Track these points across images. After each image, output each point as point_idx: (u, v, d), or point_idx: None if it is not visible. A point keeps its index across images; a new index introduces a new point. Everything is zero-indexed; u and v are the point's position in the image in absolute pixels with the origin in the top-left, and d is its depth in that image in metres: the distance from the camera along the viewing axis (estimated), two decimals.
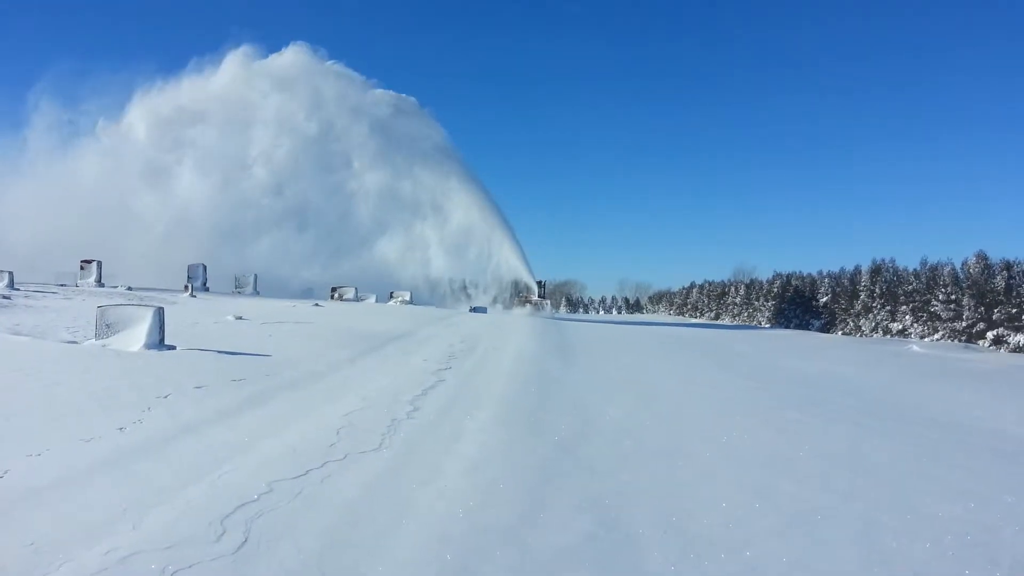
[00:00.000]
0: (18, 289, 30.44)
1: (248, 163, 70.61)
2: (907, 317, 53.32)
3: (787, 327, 70.71)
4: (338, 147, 73.87)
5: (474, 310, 51.90)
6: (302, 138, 72.37)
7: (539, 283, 68.05)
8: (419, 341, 23.11)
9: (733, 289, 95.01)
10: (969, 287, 47.60)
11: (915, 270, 55.89)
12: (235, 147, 70.90)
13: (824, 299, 66.65)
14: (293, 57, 76.31)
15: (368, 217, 71.11)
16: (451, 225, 72.17)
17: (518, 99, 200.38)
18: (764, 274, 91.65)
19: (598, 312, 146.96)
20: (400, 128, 75.61)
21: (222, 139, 70.65)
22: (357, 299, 48.16)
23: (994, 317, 44.59)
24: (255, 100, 72.99)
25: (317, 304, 37.57)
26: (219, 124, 70.97)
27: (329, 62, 77.71)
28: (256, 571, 5.50)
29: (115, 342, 15.66)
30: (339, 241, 68.76)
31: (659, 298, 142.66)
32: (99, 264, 40.74)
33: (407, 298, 49.84)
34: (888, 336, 54.32)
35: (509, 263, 68.67)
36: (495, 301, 66.05)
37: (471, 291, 69.10)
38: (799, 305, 71.57)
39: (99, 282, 39.64)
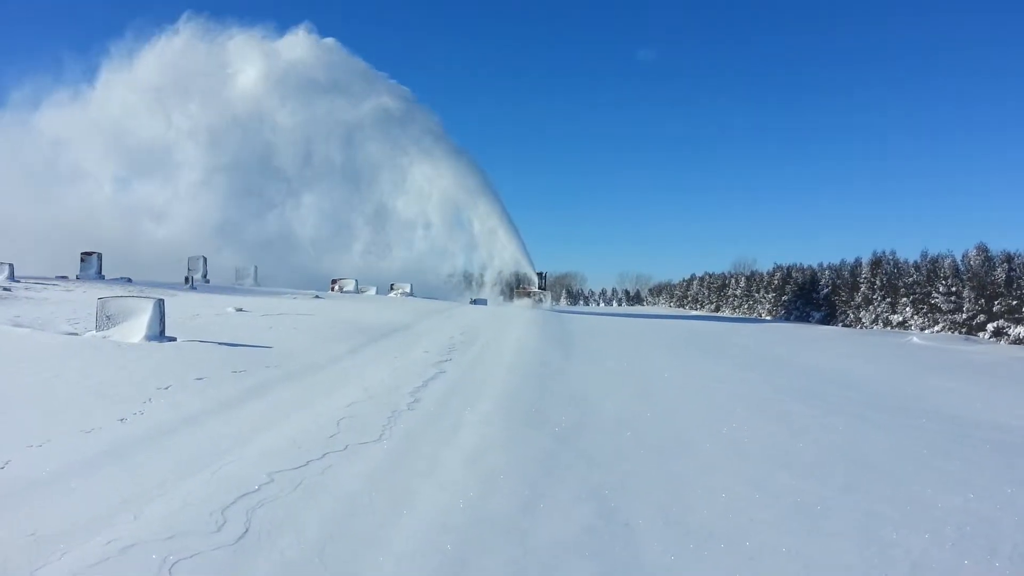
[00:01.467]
0: (18, 281, 30.46)
1: (154, 212, 61.05)
2: (907, 309, 53.30)
3: (788, 319, 70.74)
4: (268, 160, 64.92)
5: (475, 302, 51.92)
6: (215, 161, 63.07)
7: (539, 274, 67.65)
8: (419, 333, 23.12)
9: (733, 281, 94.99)
10: (969, 279, 47.57)
11: (915, 262, 55.88)
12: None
13: (825, 291, 66.63)
14: (178, 48, 64.71)
15: (313, 242, 64.32)
16: (435, 220, 68.02)
17: (519, 92, 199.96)
18: (764, 266, 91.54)
19: (598, 304, 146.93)
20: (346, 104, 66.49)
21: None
22: (357, 291, 48.19)
23: (994, 309, 44.56)
24: (138, 122, 62.20)
25: (317, 296, 37.59)
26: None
27: (231, 31, 66.42)
28: (257, 561, 5.52)
29: (116, 334, 15.67)
30: (287, 264, 59.45)
31: (659, 290, 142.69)
32: (99, 256, 40.73)
33: (407, 290, 49.90)
34: (888, 328, 54.32)
35: (508, 253, 66.99)
36: (497, 293, 65.79)
37: (472, 283, 68.61)
38: (800, 297, 71.57)
39: (99, 274, 39.64)
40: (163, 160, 63.64)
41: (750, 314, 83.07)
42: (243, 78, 65.59)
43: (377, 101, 67.75)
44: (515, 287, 66.58)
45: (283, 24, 73.18)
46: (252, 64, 65.74)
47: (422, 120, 69.97)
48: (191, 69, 65.06)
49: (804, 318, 68.37)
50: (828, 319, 63.76)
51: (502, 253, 67.35)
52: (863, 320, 58.17)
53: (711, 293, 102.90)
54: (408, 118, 69.09)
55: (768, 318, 75.03)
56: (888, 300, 56.07)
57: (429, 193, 68.42)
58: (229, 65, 66.04)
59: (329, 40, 68.53)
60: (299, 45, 67.38)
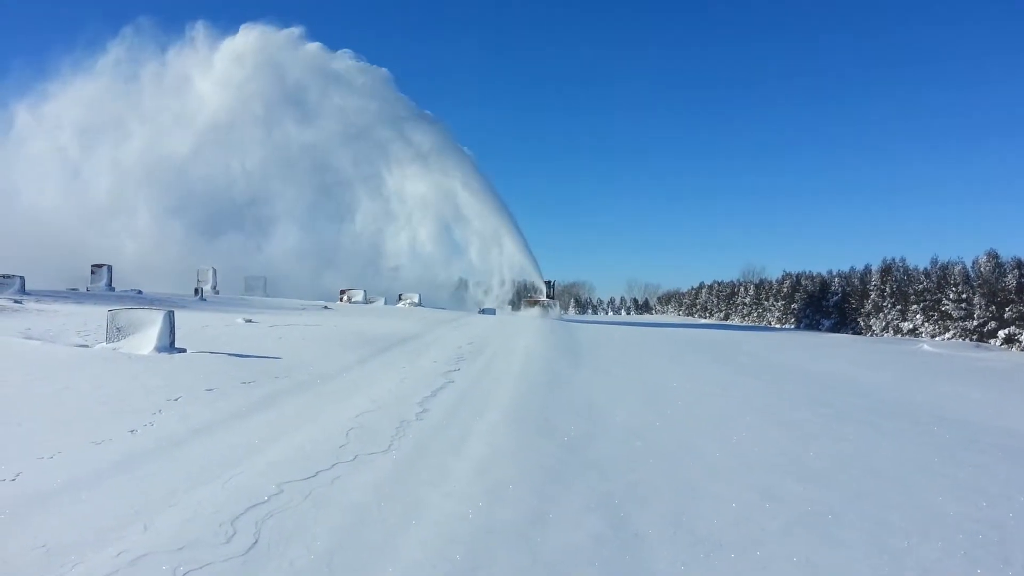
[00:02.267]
0: (29, 294, 30.64)
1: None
2: (918, 316, 53.06)
3: (798, 327, 70.48)
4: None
5: (483, 312, 51.98)
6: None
7: (548, 283, 67.04)
8: (428, 343, 23.14)
9: (743, 289, 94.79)
10: (980, 286, 47.33)
11: (925, 269, 55.75)
12: None
13: (834, 299, 66.40)
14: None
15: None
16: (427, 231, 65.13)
17: (525, 100, 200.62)
18: (773, 274, 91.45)
19: (607, 313, 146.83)
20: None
21: None
22: (366, 301, 48.31)
23: (1005, 316, 44.30)
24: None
25: (326, 307, 37.73)
26: None
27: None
28: (266, 572, 5.53)
29: (126, 345, 15.75)
30: (296, 275, 55.35)
31: (668, 299, 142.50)
32: (109, 268, 40.92)
33: (416, 300, 49.96)
34: (899, 335, 54.05)
35: (515, 260, 65.59)
36: (505, 302, 65.46)
37: (482, 292, 68.06)
38: (809, 305, 71.33)
39: (110, 286, 39.82)
40: (117, 202, 56.65)
41: (759, 322, 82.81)
42: (194, 91, 60.23)
43: (345, 102, 62.98)
44: (523, 296, 66.08)
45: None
46: (201, 75, 60.35)
47: (415, 126, 65.46)
48: (137, 89, 59.49)
49: (814, 326, 68.14)
50: (838, 327, 63.53)
51: (509, 261, 66.09)
52: (873, 327, 57.92)
53: (720, 301, 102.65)
54: (389, 116, 64.43)
55: (778, 326, 74.76)
56: (898, 307, 55.84)
57: (423, 203, 65.08)
58: (179, 79, 60.55)
59: (285, 33, 63.00)
60: (248, 43, 61.24)
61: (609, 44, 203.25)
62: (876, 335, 56.43)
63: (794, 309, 74.45)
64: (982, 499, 8.14)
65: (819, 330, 65.09)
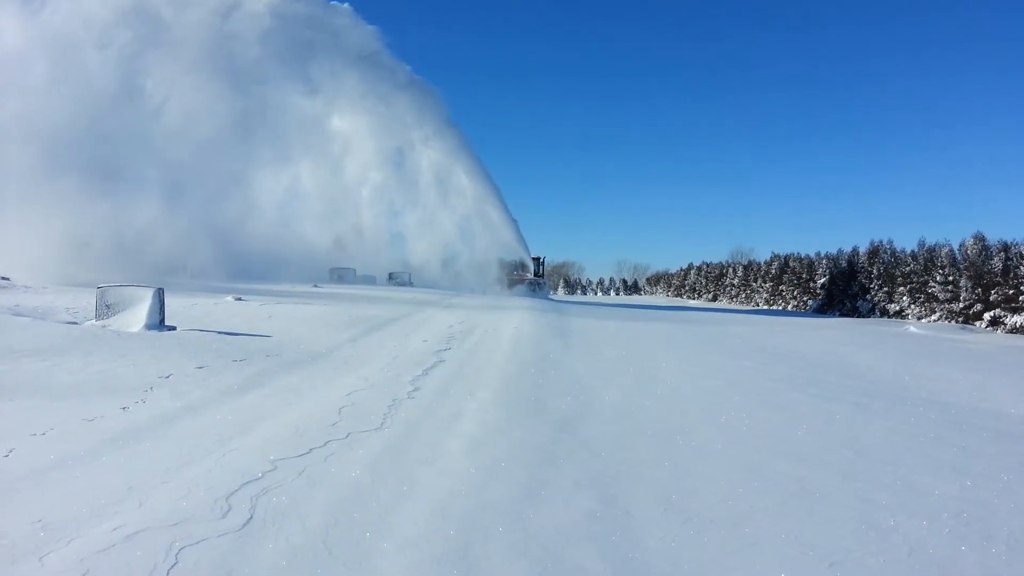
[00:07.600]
0: None
1: None
2: (905, 298, 53.41)
3: (785, 308, 70.88)
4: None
5: (472, 291, 51.97)
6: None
7: (536, 259, 63.73)
8: (418, 323, 23.15)
9: (731, 270, 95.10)
10: (966, 268, 47.64)
11: (913, 251, 55.91)
12: None
13: (822, 280, 66.72)
14: None
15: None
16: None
17: (515, 83, 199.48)
18: (762, 255, 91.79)
19: (596, 294, 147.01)
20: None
21: None
22: (356, 280, 48.29)
23: (991, 298, 44.65)
24: None
25: (316, 286, 37.67)
26: None
27: None
28: (262, 547, 5.57)
29: (115, 323, 15.72)
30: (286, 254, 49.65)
31: (657, 279, 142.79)
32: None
33: (406, 279, 50.01)
34: (886, 317, 54.43)
35: (500, 233, 61.33)
36: (495, 282, 64.17)
37: (471, 271, 66.67)
38: (797, 286, 71.69)
39: None
40: None
41: (748, 304, 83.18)
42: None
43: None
44: (509, 273, 61.77)
45: None
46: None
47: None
48: None
49: (802, 307, 68.54)
50: (825, 308, 63.88)
51: (495, 234, 61.99)
52: (860, 309, 58.29)
53: (708, 282, 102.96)
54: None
55: (766, 307, 75.16)
56: (885, 289, 56.17)
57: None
58: None
59: None
60: None
61: (598, 29, 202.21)
62: (863, 317, 56.79)
63: (782, 290, 74.80)
64: (967, 478, 8.26)
65: (806, 311, 65.46)
